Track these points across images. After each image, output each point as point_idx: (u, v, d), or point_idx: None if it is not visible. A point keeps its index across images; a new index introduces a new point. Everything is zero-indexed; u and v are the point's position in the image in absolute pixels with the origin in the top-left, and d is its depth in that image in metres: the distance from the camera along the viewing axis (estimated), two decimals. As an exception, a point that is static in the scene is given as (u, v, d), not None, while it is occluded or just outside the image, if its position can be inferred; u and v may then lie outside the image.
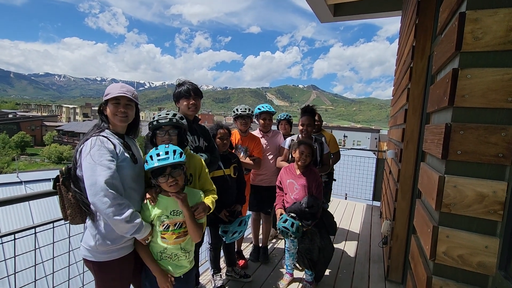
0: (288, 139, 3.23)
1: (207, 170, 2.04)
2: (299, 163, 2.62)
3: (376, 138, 43.23)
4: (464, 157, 1.10)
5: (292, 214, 2.52)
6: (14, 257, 1.60)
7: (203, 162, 2.03)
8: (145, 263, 1.69)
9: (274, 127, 3.63)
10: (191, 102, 2.27)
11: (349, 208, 5.66)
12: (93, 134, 1.61)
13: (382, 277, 3.09)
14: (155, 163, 1.60)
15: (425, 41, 2.54)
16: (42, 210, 6.31)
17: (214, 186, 2.04)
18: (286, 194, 2.69)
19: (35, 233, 1.69)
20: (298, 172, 2.65)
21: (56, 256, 1.78)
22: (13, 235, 1.59)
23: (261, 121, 3.27)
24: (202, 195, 1.83)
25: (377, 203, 5.98)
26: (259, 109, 3.26)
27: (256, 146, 3.10)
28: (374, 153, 7.60)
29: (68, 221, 1.64)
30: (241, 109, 3.04)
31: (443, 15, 1.33)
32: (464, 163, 1.11)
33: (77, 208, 1.60)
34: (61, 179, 1.60)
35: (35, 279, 1.63)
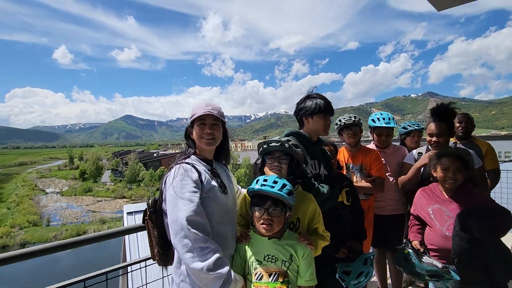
0: (414, 152, 2.43)
1: (321, 215, 1.58)
2: (446, 185, 1.79)
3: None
4: None
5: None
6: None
7: (317, 207, 1.58)
8: None
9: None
10: (328, 122, 1.85)
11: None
12: (178, 162, 1.42)
13: None
14: (255, 186, 1.43)
15: None
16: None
17: (327, 232, 1.58)
18: (429, 226, 1.87)
19: (145, 266, 1.56)
20: (446, 195, 1.81)
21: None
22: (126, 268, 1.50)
23: (375, 137, 2.59)
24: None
25: None
26: (372, 120, 2.59)
27: (374, 162, 2.41)
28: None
29: (155, 261, 1.45)
30: (344, 118, 2.46)
31: None
32: None
33: (163, 247, 1.40)
34: (148, 213, 1.45)
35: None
